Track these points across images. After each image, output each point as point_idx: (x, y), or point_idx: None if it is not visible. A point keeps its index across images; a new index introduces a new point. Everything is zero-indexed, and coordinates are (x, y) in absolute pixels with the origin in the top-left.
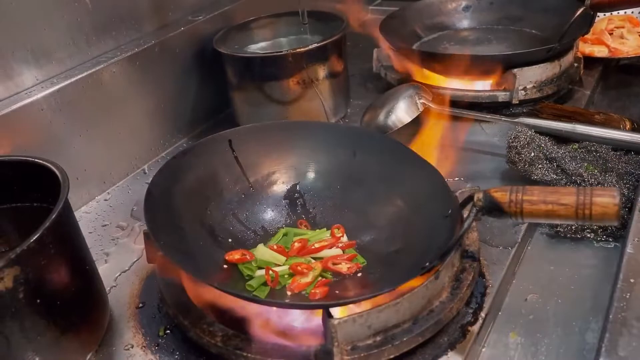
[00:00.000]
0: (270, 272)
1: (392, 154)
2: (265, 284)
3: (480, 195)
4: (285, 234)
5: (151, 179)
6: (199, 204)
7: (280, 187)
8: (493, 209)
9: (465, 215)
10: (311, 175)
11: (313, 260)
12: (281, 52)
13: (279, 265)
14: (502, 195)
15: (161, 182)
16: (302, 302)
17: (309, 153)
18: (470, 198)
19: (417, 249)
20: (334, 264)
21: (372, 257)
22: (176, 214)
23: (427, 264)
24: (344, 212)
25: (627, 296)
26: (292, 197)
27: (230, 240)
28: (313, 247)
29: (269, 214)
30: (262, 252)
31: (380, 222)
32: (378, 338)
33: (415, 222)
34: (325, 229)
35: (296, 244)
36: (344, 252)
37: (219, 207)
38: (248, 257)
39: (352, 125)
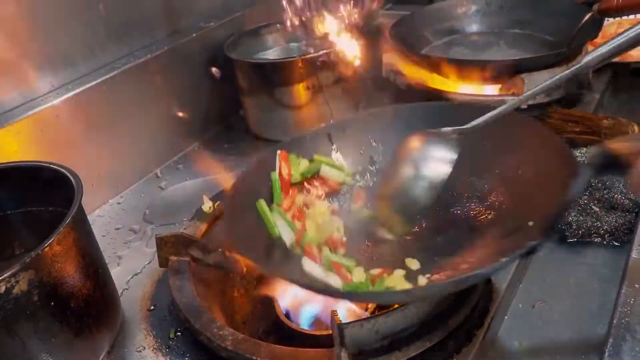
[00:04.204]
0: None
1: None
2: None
3: (597, 149)
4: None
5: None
6: None
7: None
8: (612, 165)
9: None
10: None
11: None
12: (291, 58)
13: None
14: (623, 146)
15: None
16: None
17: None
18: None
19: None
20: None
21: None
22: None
23: (536, 242)
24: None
25: (632, 301)
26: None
27: None
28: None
29: None
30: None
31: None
32: (385, 343)
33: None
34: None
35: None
36: None
37: None
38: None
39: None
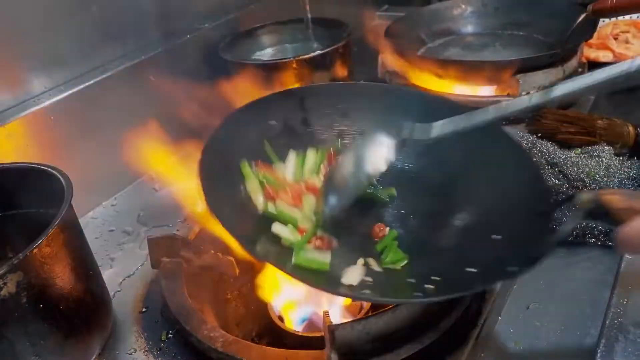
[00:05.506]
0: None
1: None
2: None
3: (590, 196)
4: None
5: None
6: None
7: None
8: (603, 214)
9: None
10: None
11: None
12: (285, 59)
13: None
14: (618, 199)
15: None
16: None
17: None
18: (570, 197)
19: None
20: None
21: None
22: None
23: (516, 268)
24: (416, 193)
25: (624, 302)
26: None
27: None
28: None
29: None
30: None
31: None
32: (377, 344)
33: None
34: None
35: None
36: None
37: None
38: None
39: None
